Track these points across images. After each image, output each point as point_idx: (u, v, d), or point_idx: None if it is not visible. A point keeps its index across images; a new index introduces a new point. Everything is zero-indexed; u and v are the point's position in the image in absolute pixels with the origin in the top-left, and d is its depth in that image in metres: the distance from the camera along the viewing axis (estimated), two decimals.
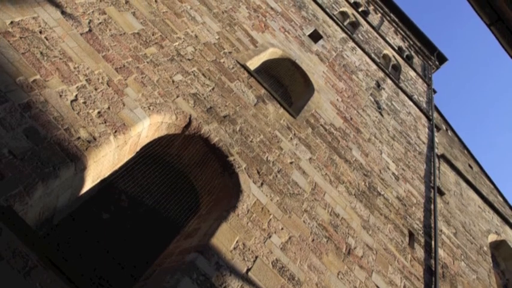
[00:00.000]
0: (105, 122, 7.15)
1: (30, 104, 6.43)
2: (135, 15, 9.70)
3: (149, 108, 8.06)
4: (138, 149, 8.17)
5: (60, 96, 6.90)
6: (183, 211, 8.74)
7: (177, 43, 10.18)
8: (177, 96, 8.90)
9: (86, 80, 7.46)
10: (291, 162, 10.34)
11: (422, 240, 12.50)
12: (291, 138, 11.04)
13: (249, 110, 10.47)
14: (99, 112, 7.20)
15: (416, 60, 27.91)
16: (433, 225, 13.56)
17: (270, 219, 8.46)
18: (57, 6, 8.12)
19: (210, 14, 12.35)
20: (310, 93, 14.04)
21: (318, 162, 11.23)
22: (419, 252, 11.88)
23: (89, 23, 8.48)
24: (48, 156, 6.12)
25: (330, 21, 20.35)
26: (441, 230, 13.87)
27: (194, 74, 9.86)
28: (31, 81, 6.69)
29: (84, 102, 7.13)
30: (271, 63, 14.31)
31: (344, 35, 20.53)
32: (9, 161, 5.70)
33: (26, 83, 6.62)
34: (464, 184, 18.69)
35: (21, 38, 7.10)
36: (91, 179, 7.04)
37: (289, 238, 8.50)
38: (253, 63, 12.65)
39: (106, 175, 7.57)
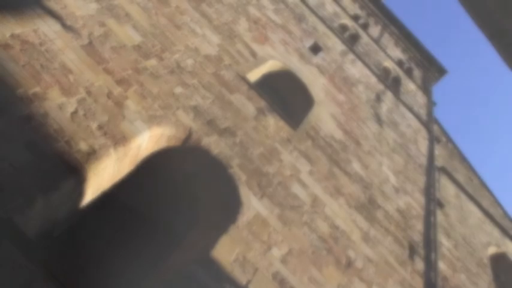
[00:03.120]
0: (105, 135, 7.15)
1: (30, 117, 6.43)
2: (135, 28, 9.71)
3: (149, 121, 8.06)
4: (138, 161, 8.17)
5: (60, 108, 6.90)
6: (183, 223, 8.73)
7: (177, 55, 10.19)
8: (177, 109, 8.91)
9: (86, 92, 7.46)
10: (291, 175, 10.33)
11: (422, 252, 12.48)
12: (291, 151, 11.04)
13: (249, 123, 10.47)
14: (99, 124, 7.20)
15: (417, 72, 27.95)
16: (433, 237, 13.54)
17: (270, 232, 8.45)
18: (57, 18, 8.14)
19: (210, 26, 12.37)
20: (310, 106, 14.04)
21: (318, 174, 11.21)
22: (420, 265, 11.86)
23: (89, 35, 8.49)
24: (48, 169, 6.12)
25: (330, 34, 20.38)
26: (441, 243, 13.86)
27: (194, 87, 9.86)
28: (31, 94, 6.69)
29: (84, 115, 7.13)
30: (271, 75, 14.32)
31: (344, 47, 20.55)
32: (10, 174, 5.69)
33: (26, 95, 6.62)
34: (464, 196, 18.67)
35: (21, 50, 7.11)
36: (91, 191, 7.04)
37: (289, 250, 8.49)
38: (253, 76, 12.66)
39: (106, 187, 7.57)
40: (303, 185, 10.41)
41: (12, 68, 6.77)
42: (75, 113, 7.03)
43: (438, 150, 20.65)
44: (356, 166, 13.15)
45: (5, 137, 5.97)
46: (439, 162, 19.35)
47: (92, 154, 6.78)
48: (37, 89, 6.83)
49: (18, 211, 5.51)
